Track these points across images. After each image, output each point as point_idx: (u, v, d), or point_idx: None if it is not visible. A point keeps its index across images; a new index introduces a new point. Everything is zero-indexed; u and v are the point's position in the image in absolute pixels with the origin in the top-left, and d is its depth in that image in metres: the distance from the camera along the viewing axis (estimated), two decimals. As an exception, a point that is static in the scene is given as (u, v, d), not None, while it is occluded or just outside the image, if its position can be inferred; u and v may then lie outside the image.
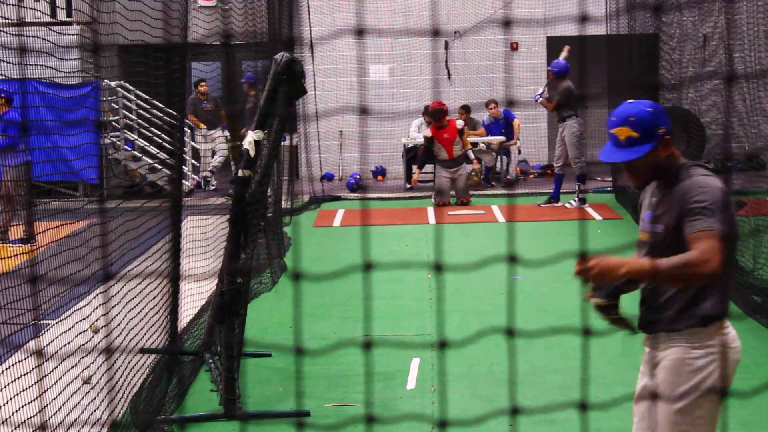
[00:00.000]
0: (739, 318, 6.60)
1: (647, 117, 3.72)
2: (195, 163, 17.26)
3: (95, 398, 5.28)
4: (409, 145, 17.07)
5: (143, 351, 6.22)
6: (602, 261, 3.51)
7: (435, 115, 15.39)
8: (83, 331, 5.47)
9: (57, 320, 5.91)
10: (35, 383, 4.33)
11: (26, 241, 11.28)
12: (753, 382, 6.26)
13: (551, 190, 14.98)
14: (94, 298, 5.55)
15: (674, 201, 3.68)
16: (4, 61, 4.78)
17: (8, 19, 4.79)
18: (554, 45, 18.46)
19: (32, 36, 4.18)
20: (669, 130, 3.74)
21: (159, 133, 16.63)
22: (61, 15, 17.08)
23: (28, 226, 11.51)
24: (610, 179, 16.09)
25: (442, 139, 15.36)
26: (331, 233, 13.39)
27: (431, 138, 15.41)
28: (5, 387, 4.54)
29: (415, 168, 16.20)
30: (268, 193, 8.98)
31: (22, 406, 4.49)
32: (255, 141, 6.13)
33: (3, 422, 4.47)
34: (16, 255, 5.23)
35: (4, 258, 5.17)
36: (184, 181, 13.86)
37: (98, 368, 5.41)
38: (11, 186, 11.57)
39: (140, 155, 16.72)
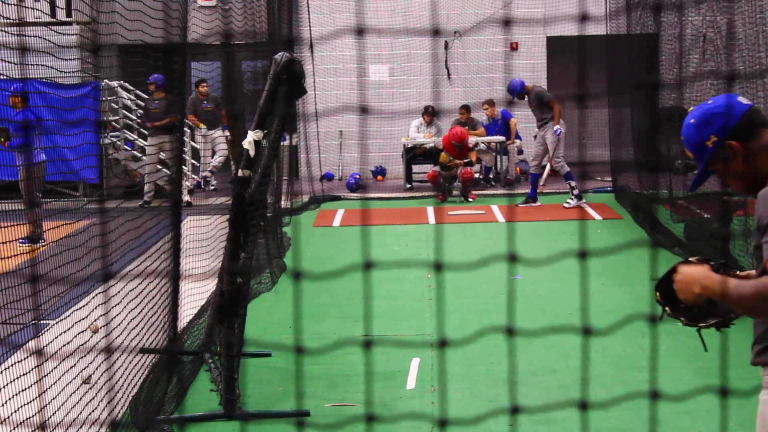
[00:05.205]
0: (739, 317, 6.58)
1: (690, 132, 3.07)
2: (195, 163, 17.26)
3: (95, 398, 5.28)
4: (409, 145, 17.08)
5: (143, 351, 6.22)
6: (685, 272, 2.95)
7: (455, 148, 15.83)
8: (83, 331, 5.47)
9: (57, 320, 5.91)
10: (35, 383, 4.32)
11: (35, 240, 11.25)
12: (753, 382, 6.25)
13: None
14: (94, 298, 5.55)
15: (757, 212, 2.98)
16: (4, 60, 4.77)
17: (8, 18, 4.79)
18: (554, 45, 18.46)
19: (32, 36, 4.17)
20: (727, 133, 2.99)
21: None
22: (61, 15, 17.09)
23: (37, 225, 11.49)
24: (610, 179, 16.09)
25: (455, 156, 15.88)
26: (331, 233, 13.38)
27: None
28: (5, 387, 4.53)
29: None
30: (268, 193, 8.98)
31: (22, 406, 4.49)
32: (255, 141, 6.13)
33: (3, 422, 4.47)
34: (17, 255, 5.21)
35: (5, 258, 5.17)
36: (184, 181, 13.87)
37: (98, 368, 5.41)
38: (25, 185, 11.57)
39: (140, 155, 16.71)
